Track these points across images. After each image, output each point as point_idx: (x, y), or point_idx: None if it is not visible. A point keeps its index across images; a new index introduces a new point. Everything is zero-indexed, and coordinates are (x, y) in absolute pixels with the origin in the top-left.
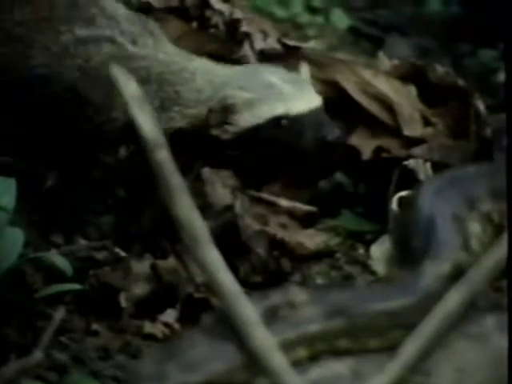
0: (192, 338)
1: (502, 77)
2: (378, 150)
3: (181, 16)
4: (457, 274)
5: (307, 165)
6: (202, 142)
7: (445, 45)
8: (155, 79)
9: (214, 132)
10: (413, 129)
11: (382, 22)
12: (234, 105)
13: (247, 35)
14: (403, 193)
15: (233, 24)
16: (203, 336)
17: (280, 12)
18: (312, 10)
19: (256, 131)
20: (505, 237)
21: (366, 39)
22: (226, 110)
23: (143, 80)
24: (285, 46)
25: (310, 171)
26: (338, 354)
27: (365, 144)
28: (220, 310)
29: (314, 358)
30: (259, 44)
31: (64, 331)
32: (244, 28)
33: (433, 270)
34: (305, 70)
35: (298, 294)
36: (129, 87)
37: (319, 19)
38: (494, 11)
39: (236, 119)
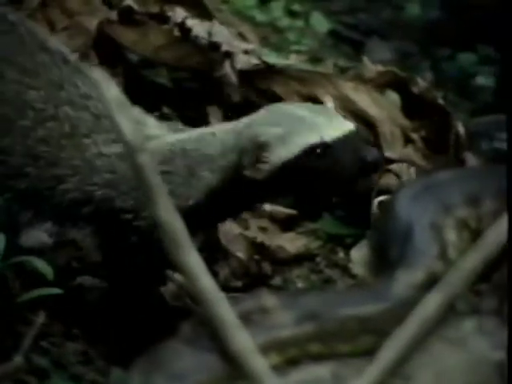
0: (175, 348)
1: (480, 80)
2: None
3: (162, 22)
4: (432, 283)
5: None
6: (236, 190)
7: (424, 48)
8: (180, 154)
9: (248, 174)
10: (393, 148)
11: (363, 26)
12: (265, 142)
13: (228, 54)
14: (383, 197)
15: (213, 45)
16: (186, 346)
17: (260, 16)
18: (292, 13)
19: (290, 165)
20: (482, 241)
21: (347, 43)
22: (259, 148)
23: (168, 160)
24: (265, 63)
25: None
26: (314, 359)
27: None
28: (198, 317)
29: (294, 362)
30: (241, 62)
31: (44, 336)
32: (225, 47)
33: (406, 278)
34: (330, 102)
35: (269, 299)
36: (110, 91)
37: (299, 23)
38: (472, 16)
39: (268, 156)
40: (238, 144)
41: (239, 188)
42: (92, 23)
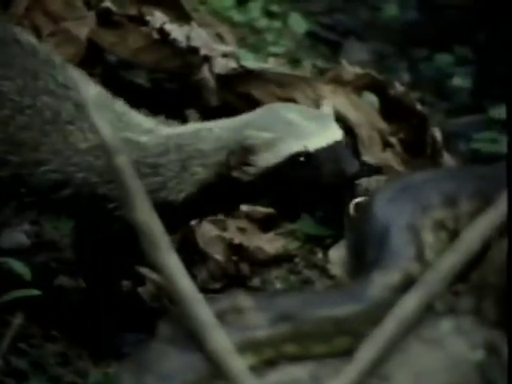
0: (160, 349)
1: (457, 81)
2: None
3: (141, 24)
4: (408, 285)
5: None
6: (224, 187)
7: (401, 49)
8: (174, 148)
9: (235, 174)
10: (371, 153)
11: (340, 27)
12: (253, 145)
13: (206, 58)
14: (359, 199)
15: (191, 49)
16: (170, 347)
17: (238, 16)
18: (270, 14)
19: (275, 170)
20: (459, 241)
21: (324, 43)
22: (246, 151)
23: (163, 152)
24: (243, 67)
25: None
26: (291, 359)
27: None
28: (175, 316)
29: (271, 363)
30: (219, 66)
31: (23, 337)
32: (203, 51)
33: (382, 280)
34: (327, 106)
35: (244, 300)
36: (89, 91)
37: (277, 24)
38: (449, 16)
39: (255, 160)
40: (229, 143)
41: (226, 186)
42: (81, 31)
